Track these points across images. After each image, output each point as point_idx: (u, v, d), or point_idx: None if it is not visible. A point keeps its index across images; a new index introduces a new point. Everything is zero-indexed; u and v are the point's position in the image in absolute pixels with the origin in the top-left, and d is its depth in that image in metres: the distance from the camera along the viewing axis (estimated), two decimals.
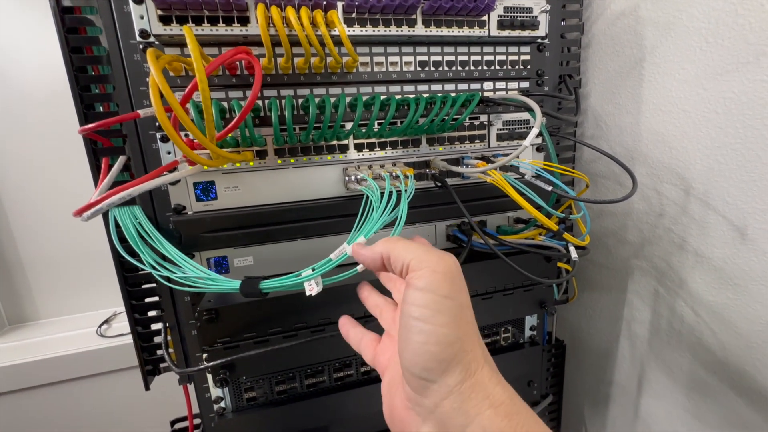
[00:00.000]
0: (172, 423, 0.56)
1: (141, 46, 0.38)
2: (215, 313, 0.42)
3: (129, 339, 0.84)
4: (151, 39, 0.37)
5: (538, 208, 0.41)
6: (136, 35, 0.37)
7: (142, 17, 0.37)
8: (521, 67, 0.50)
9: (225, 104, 0.41)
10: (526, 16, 0.47)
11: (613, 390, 0.65)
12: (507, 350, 0.57)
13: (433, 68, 0.47)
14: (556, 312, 0.58)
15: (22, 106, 0.84)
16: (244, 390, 0.49)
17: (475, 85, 0.49)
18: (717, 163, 0.44)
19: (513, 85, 0.51)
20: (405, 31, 0.42)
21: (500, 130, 0.51)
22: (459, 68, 0.48)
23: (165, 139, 0.41)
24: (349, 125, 0.44)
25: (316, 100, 0.40)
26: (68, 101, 0.38)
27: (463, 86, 0.49)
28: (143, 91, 0.39)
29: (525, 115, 0.52)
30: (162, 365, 0.48)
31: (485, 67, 0.49)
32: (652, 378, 0.58)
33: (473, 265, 0.48)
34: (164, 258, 0.37)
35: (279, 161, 0.44)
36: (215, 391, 0.48)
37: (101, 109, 0.41)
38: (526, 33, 0.47)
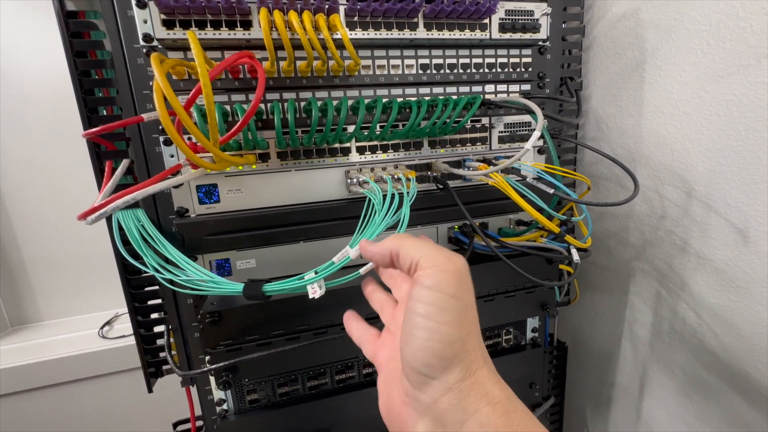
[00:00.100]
0: (175, 425, 0.56)
1: (144, 50, 0.38)
2: (218, 315, 0.42)
3: (130, 341, 0.85)
4: (155, 43, 0.38)
5: (540, 210, 0.41)
6: (140, 39, 0.37)
7: (145, 21, 0.37)
8: (522, 69, 0.50)
9: (227, 107, 0.41)
10: (528, 19, 0.47)
11: (615, 392, 0.65)
12: (509, 352, 0.57)
13: (434, 71, 0.47)
14: (558, 314, 0.58)
15: (23, 106, 0.84)
16: (246, 392, 0.49)
17: (477, 88, 0.49)
18: (719, 165, 0.44)
19: (514, 87, 0.51)
20: (407, 34, 0.43)
21: (502, 132, 0.51)
22: (461, 71, 0.48)
23: (168, 142, 0.41)
24: (351, 128, 0.44)
25: (319, 103, 0.40)
26: (70, 102, 0.38)
27: (464, 89, 0.49)
28: (146, 95, 0.40)
29: (526, 118, 0.52)
30: (165, 367, 0.48)
31: (487, 70, 0.49)
32: (653, 380, 0.58)
33: (475, 267, 0.48)
34: (167, 261, 0.37)
35: (281, 164, 0.44)
36: (218, 393, 0.48)
37: (105, 113, 0.41)
38: (527, 36, 0.47)
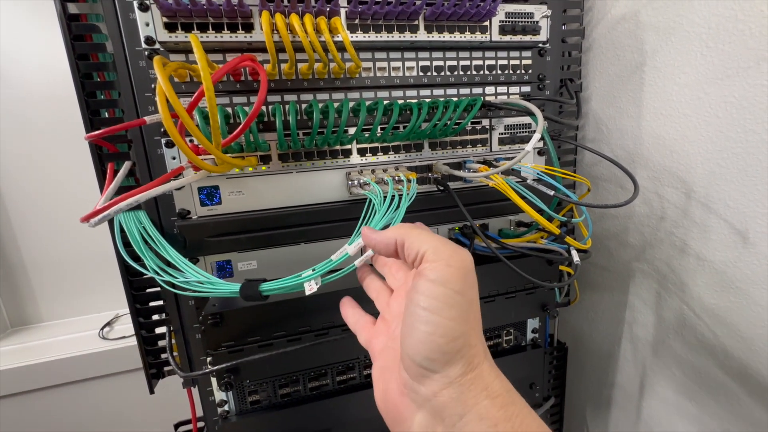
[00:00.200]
0: (176, 426, 0.56)
1: (146, 53, 0.38)
2: (220, 317, 0.42)
3: (131, 341, 0.85)
4: (157, 46, 0.38)
5: (540, 211, 0.41)
6: (142, 42, 0.38)
7: (147, 24, 0.37)
8: (523, 71, 0.50)
9: (229, 110, 0.41)
10: (528, 21, 0.47)
11: (615, 392, 0.65)
12: (509, 353, 0.57)
13: (435, 73, 0.47)
14: (558, 315, 0.58)
15: (24, 106, 0.84)
16: (247, 393, 0.49)
17: (477, 90, 0.49)
18: (718, 167, 0.44)
19: (514, 89, 0.51)
20: (407, 36, 0.43)
21: (502, 134, 0.51)
22: (461, 73, 0.48)
23: (170, 144, 0.41)
24: (352, 130, 0.44)
25: (320, 105, 0.41)
26: (71, 103, 0.39)
27: (465, 91, 0.49)
28: (148, 97, 0.40)
29: (526, 119, 0.52)
30: (166, 369, 0.48)
31: (487, 72, 0.49)
32: (653, 380, 0.58)
33: (476, 269, 0.48)
34: (167, 263, 0.37)
35: (282, 166, 0.44)
36: (219, 395, 0.48)
37: (107, 115, 0.41)
38: (527, 38, 0.48)
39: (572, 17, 0.53)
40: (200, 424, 0.51)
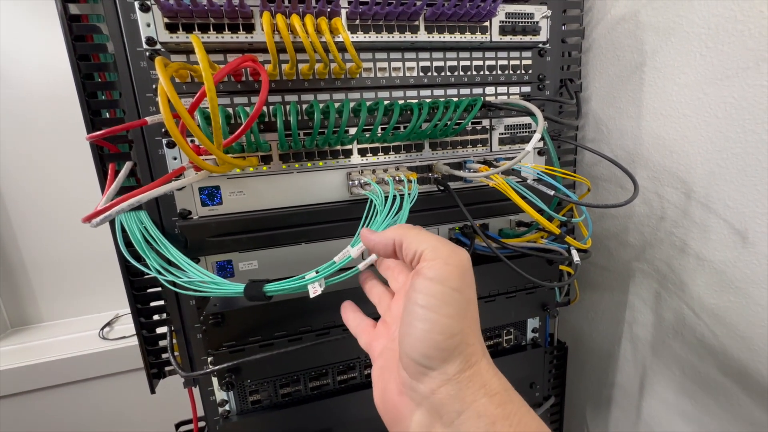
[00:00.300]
0: (177, 426, 0.57)
1: (147, 54, 0.38)
2: (221, 316, 0.42)
3: (131, 341, 0.85)
4: (158, 46, 0.38)
5: (540, 211, 0.41)
6: (143, 43, 0.38)
7: (148, 25, 0.37)
8: (523, 71, 0.50)
9: (230, 110, 0.41)
10: (528, 22, 0.47)
11: (615, 392, 0.66)
12: (509, 352, 0.57)
13: (435, 73, 0.47)
14: (558, 314, 0.58)
15: (24, 106, 0.84)
16: (248, 393, 0.49)
17: (477, 90, 0.50)
18: (718, 167, 0.44)
19: (515, 89, 0.51)
20: (408, 37, 0.43)
21: (502, 134, 0.51)
22: (461, 73, 0.48)
23: (171, 144, 0.41)
24: (352, 130, 0.44)
25: (321, 105, 0.41)
26: (71, 103, 0.39)
27: (465, 91, 0.49)
28: (149, 98, 0.40)
29: (526, 120, 0.52)
30: (167, 368, 0.48)
31: (487, 72, 0.49)
32: (653, 380, 0.58)
33: (476, 268, 0.47)
34: (169, 263, 0.37)
35: (284, 166, 0.44)
36: (220, 394, 0.48)
37: (108, 116, 0.41)
38: (527, 38, 0.48)
39: (572, 17, 0.53)
40: (201, 423, 0.52)
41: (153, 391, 0.47)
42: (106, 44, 0.38)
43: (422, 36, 0.43)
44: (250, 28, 0.38)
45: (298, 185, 0.45)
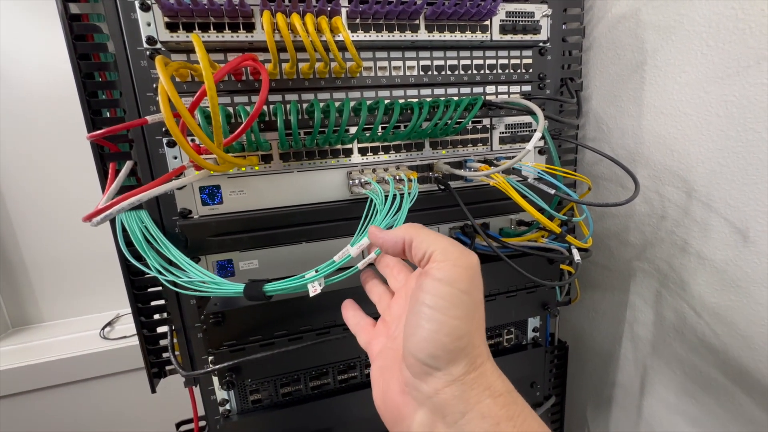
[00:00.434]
0: (177, 425, 0.57)
1: (148, 53, 0.38)
2: (222, 316, 0.42)
3: (132, 341, 0.85)
4: (158, 45, 0.38)
5: (541, 210, 0.41)
6: (143, 42, 0.38)
7: (149, 24, 0.37)
8: (523, 70, 0.50)
9: (230, 109, 0.41)
10: (528, 21, 0.47)
11: (615, 391, 0.66)
12: (510, 352, 0.57)
13: (436, 72, 0.47)
14: (559, 313, 0.58)
15: (24, 106, 0.84)
16: (249, 392, 0.49)
17: (478, 89, 0.50)
18: (719, 166, 0.44)
19: (515, 88, 0.51)
20: (408, 36, 0.43)
21: (503, 133, 0.51)
22: (462, 72, 0.48)
23: (171, 143, 0.41)
24: (353, 129, 0.44)
25: (321, 104, 0.41)
26: (71, 102, 0.39)
27: (465, 90, 0.49)
28: (150, 97, 0.40)
29: (527, 119, 0.52)
30: (168, 368, 0.48)
31: (488, 71, 0.49)
32: (654, 379, 0.58)
33: None
34: (170, 262, 0.37)
35: (284, 165, 0.44)
36: (221, 394, 0.48)
37: (108, 115, 0.41)
38: (527, 37, 0.48)
39: (573, 16, 0.53)
40: (202, 423, 0.51)
41: (154, 391, 0.47)
42: (107, 43, 0.38)
43: (423, 35, 0.43)
44: (250, 27, 0.38)
45: (298, 184, 0.45)
